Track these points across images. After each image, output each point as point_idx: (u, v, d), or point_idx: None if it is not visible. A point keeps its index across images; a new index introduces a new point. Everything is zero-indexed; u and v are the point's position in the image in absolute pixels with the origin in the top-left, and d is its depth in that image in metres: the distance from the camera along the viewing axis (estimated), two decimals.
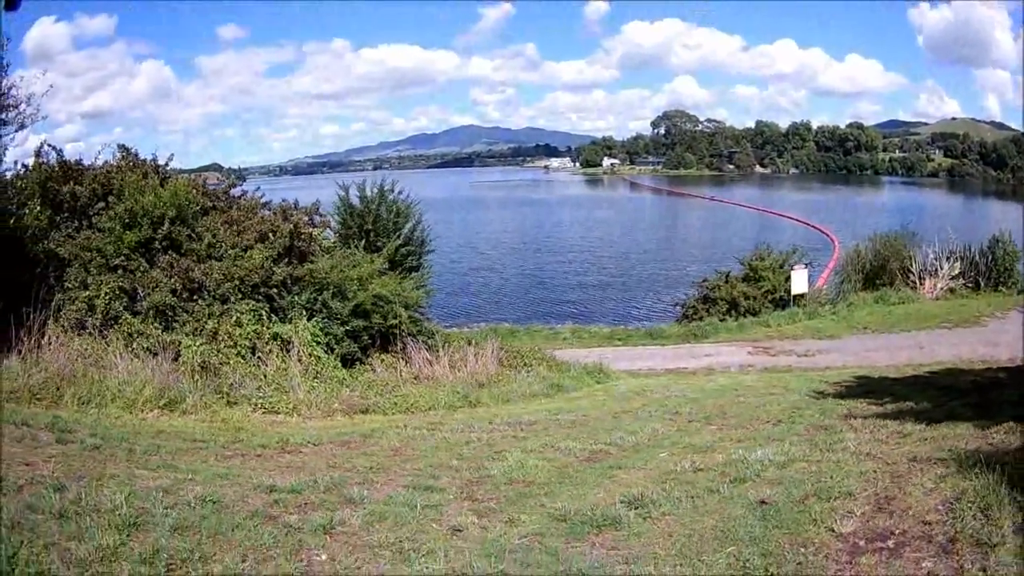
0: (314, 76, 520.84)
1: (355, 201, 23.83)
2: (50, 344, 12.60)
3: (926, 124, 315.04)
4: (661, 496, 6.59)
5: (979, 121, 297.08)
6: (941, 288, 35.41)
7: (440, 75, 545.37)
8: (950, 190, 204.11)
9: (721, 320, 31.46)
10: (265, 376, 14.29)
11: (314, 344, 16.02)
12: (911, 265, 36.02)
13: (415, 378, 17.17)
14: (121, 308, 14.53)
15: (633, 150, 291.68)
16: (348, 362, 17.09)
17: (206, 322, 14.98)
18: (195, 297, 15.42)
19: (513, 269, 65.29)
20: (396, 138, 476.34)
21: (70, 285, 14.63)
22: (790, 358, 24.25)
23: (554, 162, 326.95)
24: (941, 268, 35.77)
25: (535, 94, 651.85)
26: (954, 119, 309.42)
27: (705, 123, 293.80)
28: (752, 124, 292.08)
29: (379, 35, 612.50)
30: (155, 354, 13.42)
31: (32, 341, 12.48)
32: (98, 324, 14.08)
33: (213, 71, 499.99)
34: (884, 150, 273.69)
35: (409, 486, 7.09)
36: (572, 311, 42.30)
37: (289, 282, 16.82)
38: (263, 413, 12.54)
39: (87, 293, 14.43)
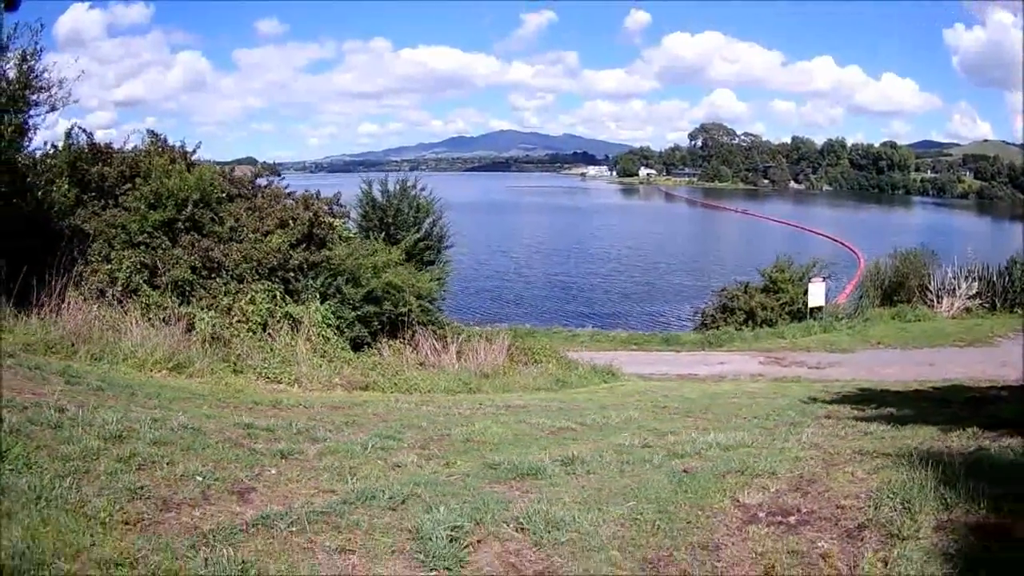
0: (353, 74, 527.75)
1: (377, 195, 24.49)
2: (69, 308, 13.33)
3: (958, 145, 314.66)
4: (594, 459, 7.17)
5: (1009, 144, 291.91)
6: (958, 307, 35.19)
7: (479, 79, 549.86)
8: (979, 212, 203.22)
9: (737, 330, 31.85)
10: (272, 350, 15.04)
11: (324, 325, 16.83)
12: (929, 283, 36.09)
13: (420, 364, 17.87)
14: (141, 281, 15.36)
15: (670, 161, 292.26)
16: (357, 345, 17.92)
17: (222, 298, 15.85)
18: (213, 275, 16.34)
19: (540, 273, 66.09)
20: (434, 140, 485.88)
21: (93, 258, 15.42)
22: (801, 369, 24.52)
23: (591, 170, 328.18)
24: (959, 287, 35.54)
25: (574, 101, 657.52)
26: (985, 141, 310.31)
27: (742, 137, 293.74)
28: (788, 139, 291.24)
29: (420, 36, 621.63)
30: (168, 324, 14.16)
31: (52, 304, 13.25)
32: (118, 294, 14.82)
33: (251, 65, 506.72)
34: (916, 170, 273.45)
35: (372, 435, 7.88)
36: (594, 317, 42.50)
37: (305, 266, 17.75)
38: (266, 382, 13.28)
39: (110, 266, 15.27)
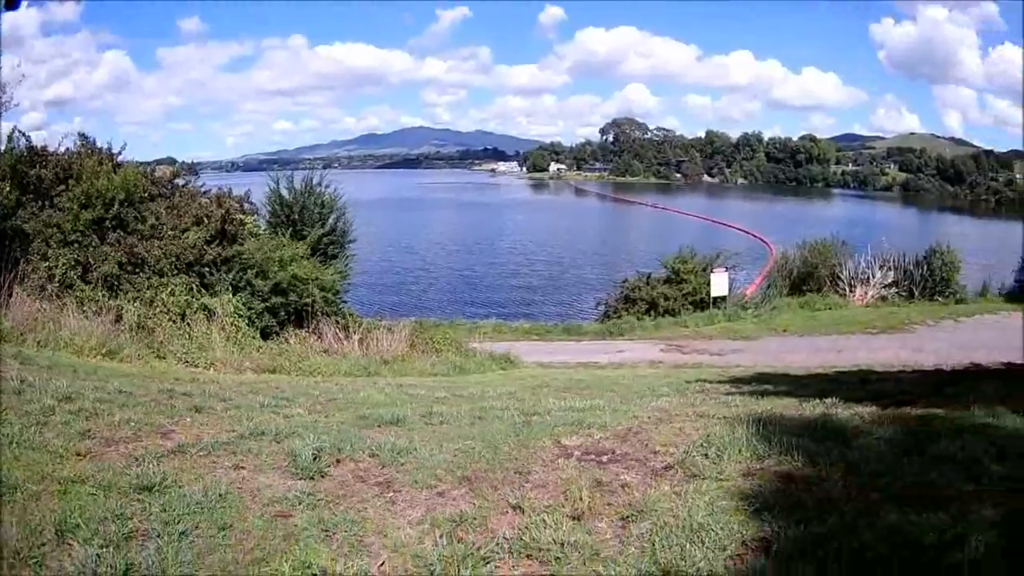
0: (270, 72, 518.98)
1: (285, 193, 25.52)
2: (16, 302, 14.68)
3: (883, 138, 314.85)
4: (451, 415, 8.43)
5: (939, 137, 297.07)
6: (872, 296, 36.93)
7: (393, 75, 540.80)
8: (904, 204, 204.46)
9: (639, 319, 32.66)
10: (191, 338, 16.38)
11: (236, 316, 18.06)
12: (840, 272, 37.45)
13: (324, 351, 18.83)
14: (75, 277, 16.73)
15: (580, 156, 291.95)
16: (266, 334, 19.12)
17: (145, 291, 17.13)
18: (137, 270, 17.52)
19: (446, 269, 67.36)
20: (346, 137, 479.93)
21: (32, 257, 16.54)
22: (702, 356, 25.24)
23: (501, 166, 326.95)
24: (873, 276, 37.04)
25: (486, 97, 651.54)
26: (912, 134, 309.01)
27: (654, 131, 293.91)
28: (702, 134, 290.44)
29: (337, 33, 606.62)
30: (100, 315, 15.53)
31: (2, 298, 14.59)
32: (56, 290, 16.10)
33: (173, 63, 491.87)
34: (837, 163, 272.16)
35: (271, 398, 9.45)
36: (498, 310, 43.70)
37: (219, 261, 18.94)
38: (185, 365, 14.74)
39: (47, 264, 16.50)
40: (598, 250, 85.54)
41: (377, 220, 67.69)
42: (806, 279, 39.12)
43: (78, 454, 5.77)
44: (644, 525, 4.67)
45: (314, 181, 26.36)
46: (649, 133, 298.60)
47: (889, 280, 37.86)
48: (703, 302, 35.09)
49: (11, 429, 6.07)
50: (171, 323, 16.98)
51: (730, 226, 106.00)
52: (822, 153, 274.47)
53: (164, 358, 15.02)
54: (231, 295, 18.72)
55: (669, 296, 34.86)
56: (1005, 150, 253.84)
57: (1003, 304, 37.67)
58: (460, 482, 5.59)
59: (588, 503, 5.00)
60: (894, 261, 39.04)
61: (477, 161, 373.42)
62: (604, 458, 6.17)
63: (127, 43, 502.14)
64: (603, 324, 33.59)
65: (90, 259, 17.25)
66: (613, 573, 4.04)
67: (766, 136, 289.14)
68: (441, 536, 4.52)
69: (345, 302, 24.64)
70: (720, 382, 14.03)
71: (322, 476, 5.68)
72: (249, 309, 18.88)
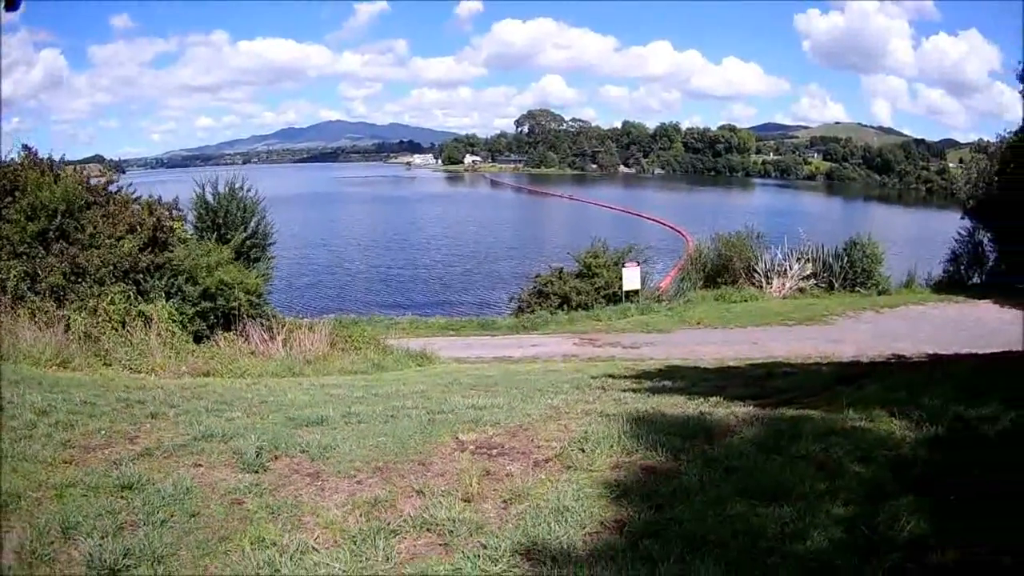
0: (193, 68, 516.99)
1: (210, 198, 25.98)
2: None
3: (806, 128, 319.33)
4: (368, 414, 9.45)
5: (865, 126, 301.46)
6: (790, 288, 36.86)
7: (312, 69, 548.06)
8: (828, 193, 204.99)
9: (552, 314, 32.61)
10: (132, 344, 17.00)
11: (170, 322, 18.58)
12: (756, 265, 37.51)
13: (251, 353, 19.21)
14: (25, 288, 17.29)
15: (496, 148, 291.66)
16: (198, 338, 19.62)
17: (89, 300, 17.59)
18: (79, 280, 17.99)
19: (362, 265, 67.60)
20: (265, 132, 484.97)
21: None
22: (615, 349, 25.13)
23: (416, 158, 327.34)
24: (791, 268, 37.14)
25: (402, 90, 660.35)
26: (837, 123, 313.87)
27: (570, 122, 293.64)
28: (619, 124, 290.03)
29: (257, 28, 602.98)
30: (51, 326, 16.16)
31: None
32: (9, 301, 16.78)
33: (103, 61, 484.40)
34: (758, 152, 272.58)
35: (212, 403, 10.47)
36: (414, 306, 43.94)
37: (152, 268, 19.34)
38: (130, 372, 15.36)
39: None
40: (513, 244, 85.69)
41: (294, 217, 67.81)
42: (721, 272, 39.36)
43: (65, 462, 6.74)
44: (521, 507, 5.74)
45: (236, 184, 26.84)
46: (565, 124, 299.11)
47: (807, 272, 38.01)
48: (616, 296, 35.20)
49: (4, 444, 6.97)
50: (113, 331, 17.60)
51: (647, 217, 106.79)
52: (742, 143, 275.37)
53: (110, 365, 15.73)
54: (164, 301, 19.30)
55: (582, 290, 34.90)
56: (938, 139, 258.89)
57: (929, 295, 37.69)
58: (374, 472, 6.75)
59: (477, 489, 6.13)
60: (812, 253, 39.22)
61: (393, 154, 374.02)
62: (494, 451, 7.29)
63: (62, 42, 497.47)
64: (517, 319, 33.99)
65: (38, 270, 17.86)
66: (492, 543, 5.02)
67: (684, 126, 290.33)
68: (360, 515, 5.68)
69: (269, 303, 25.23)
70: (625, 377, 14.84)
71: (264, 470, 6.84)
72: (181, 314, 19.44)
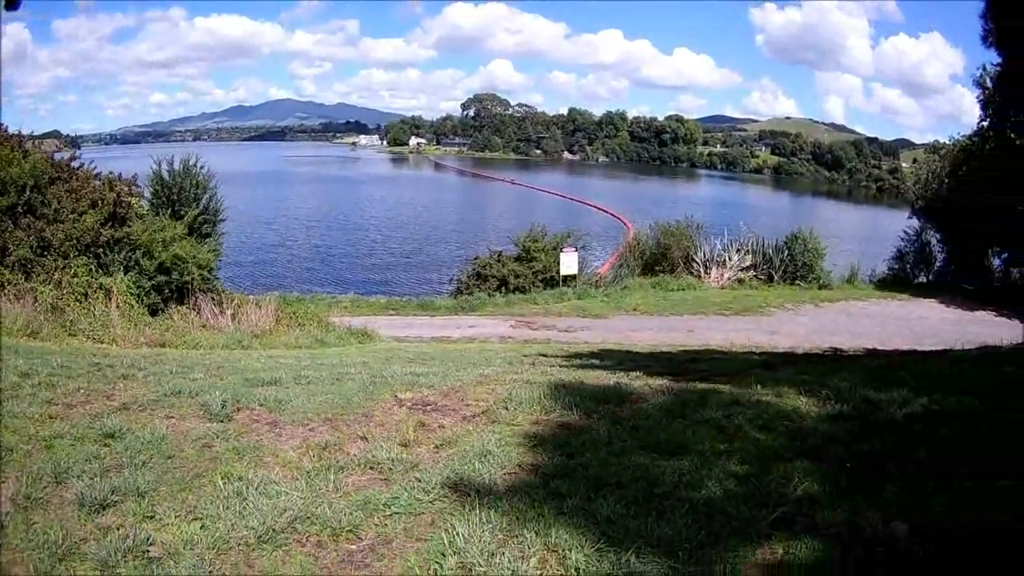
0: (150, 43, 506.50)
1: (165, 175, 26.32)
2: None
3: (755, 121, 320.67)
4: (316, 377, 10.17)
5: (817, 122, 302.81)
6: (728, 278, 37.44)
7: (265, 47, 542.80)
8: (775, 187, 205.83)
9: (490, 296, 33.30)
10: (95, 316, 17.67)
11: (128, 295, 19.21)
12: (695, 254, 38.06)
13: (203, 326, 19.94)
14: None
15: (441, 131, 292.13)
16: (154, 311, 20.26)
17: (54, 274, 18.24)
18: (45, 254, 18.58)
19: (306, 245, 67.79)
20: (216, 109, 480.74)
21: None
22: (550, 332, 25.94)
23: (362, 139, 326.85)
24: (730, 259, 37.77)
25: (351, 70, 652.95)
26: (788, 118, 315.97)
27: (516, 107, 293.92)
28: (565, 111, 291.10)
29: (214, 4, 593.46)
30: (20, 298, 16.81)
31: None
32: None
33: (66, 35, 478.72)
34: (705, 144, 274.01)
35: (175, 367, 11.12)
36: (356, 284, 44.49)
37: (112, 242, 19.89)
38: (93, 342, 15.94)
39: None
40: (455, 226, 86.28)
41: (240, 196, 67.16)
42: (660, 260, 39.91)
43: (50, 417, 7.27)
44: (451, 451, 6.54)
45: (190, 162, 27.26)
46: (511, 109, 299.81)
47: (747, 264, 38.85)
48: (553, 280, 36.00)
49: None
50: (77, 303, 18.26)
51: (589, 205, 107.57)
52: (689, 134, 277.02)
53: (75, 336, 16.32)
54: (123, 275, 19.93)
55: (520, 274, 35.79)
56: (892, 139, 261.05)
57: (872, 291, 38.79)
58: (324, 422, 7.51)
59: (413, 436, 6.95)
60: (753, 245, 40.09)
61: (339, 134, 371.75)
62: (428, 408, 8.05)
63: (27, 16, 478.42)
64: (456, 300, 34.39)
65: (8, 244, 18.38)
66: (425, 478, 5.82)
67: (631, 115, 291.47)
68: (313, 455, 6.45)
69: (218, 279, 25.70)
70: (556, 356, 15.33)
71: (229, 420, 7.56)
72: (138, 288, 20.06)
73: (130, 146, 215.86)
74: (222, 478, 5.83)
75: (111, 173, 22.75)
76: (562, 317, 29.47)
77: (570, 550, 4.56)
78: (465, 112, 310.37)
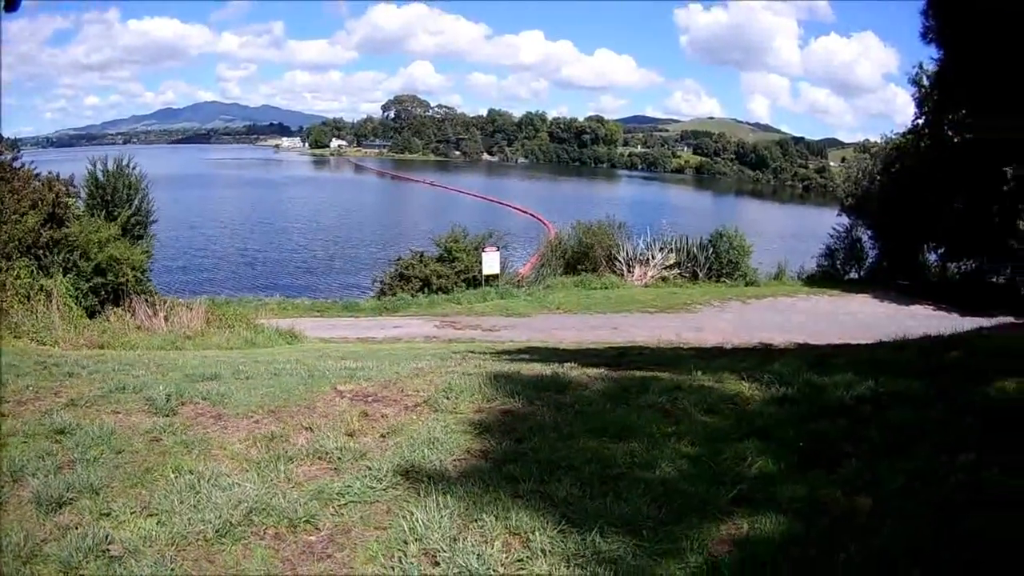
0: (86, 46, 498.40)
1: (100, 175, 26.37)
2: None
3: (677, 122, 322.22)
4: (254, 372, 10.22)
5: (741, 122, 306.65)
6: (652, 276, 37.51)
7: (193, 49, 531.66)
8: (697, 186, 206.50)
9: (413, 296, 33.22)
10: (37, 318, 17.58)
11: (68, 296, 19.08)
12: (618, 253, 38.05)
13: (138, 328, 19.92)
14: None
15: (361, 132, 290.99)
16: (91, 314, 20.17)
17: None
18: None
19: (231, 248, 67.56)
20: (145, 112, 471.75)
21: None
22: (475, 332, 25.94)
23: (285, 141, 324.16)
24: (653, 257, 37.86)
25: (275, 72, 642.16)
26: (711, 118, 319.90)
27: (435, 109, 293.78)
28: (485, 112, 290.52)
29: (148, 7, 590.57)
30: None
31: None
32: None
33: (10, 37, 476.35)
34: (625, 144, 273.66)
35: (117, 365, 11.10)
36: (281, 287, 44.09)
37: (51, 243, 19.70)
38: (37, 343, 16.03)
39: None
40: (375, 229, 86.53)
41: (167, 199, 66.93)
42: (582, 259, 39.85)
43: (2, 415, 7.31)
44: (397, 439, 6.60)
45: (123, 162, 27.36)
46: (431, 110, 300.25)
47: (671, 262, 39.01)
48: (476, 280, 36.04)
49: None
50: (20, 305, 18.11)
51: (509, 205, 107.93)
52: (610, 134, 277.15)
53: (20, 338, 16.32)
54: (63, 276, 19.82)
55: (442, 274, 35.74)
56: (820, 138, 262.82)
57: (801, 287, 39.31)
58: (268, 414, 7.53)
59: (358, 426, 7.01)
60: (676, 243, 40.40)
61: (263, 136, 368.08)
62: (369, 399, 8.10)
63: None
64: (380, 301, 34.35)
65: None
66: (375, 466, 5.87)
67: (551, 116, 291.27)
68: (261, 447, 6.48)
69: (151, 280, 25.69)
70: (484, 353, 15.31)
71: (174, 414, 7.56)
72: (76, 289, 20.00)
73: (65, 149, 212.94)
74: (173, 472, 5.87)
75: (50, 173, 22.67)
76: (486, 316, 29.57)
77: (532, 532, 4.67)
78: (386, 114, 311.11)
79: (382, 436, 6.79)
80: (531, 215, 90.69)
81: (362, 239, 75.83)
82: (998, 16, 23.62)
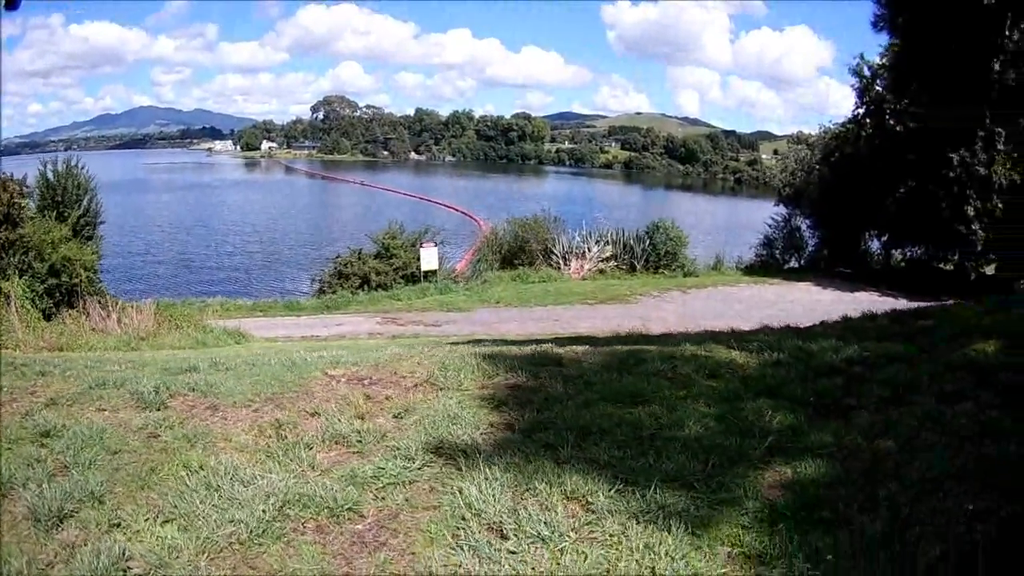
0: (31, 52, 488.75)
1: (50, 176, 26.29)
2: None
3: (605, 117, 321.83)
4: (231, 363, 9.75)
5: (670, 117, 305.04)
6: (588, 269, 37.31)
7: (130, 54, 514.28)
8: (626, 181, 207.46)
9: (353, 294, 33.16)
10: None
11: (25, 299, 18.94)
12: (554, 247, 37.96)
13: (93, 330, 19.68)
14: None
15: (291, 134, 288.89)
16: (47, 317, 19.95)
17: None
18: None
19: (169, 251, 67.41)
20: (84, 118, 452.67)
21: None
22: (418, 327, 25.72)
23: (217, 145, 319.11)
24: (589, 250, 37.66)
25: (208, 75, 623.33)
26: (639, 113, 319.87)
27: (364, 109, 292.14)
28: (412, 111, 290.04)
29: (92, 11, 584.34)
30: None
31: None
32: None
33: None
34: (552, 141, 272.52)
35: (86, 362, 10.47)
36: (221, 289, 43.77)
37: (7, 245, 19.49)
38: None
39: None
40: (309, 229, 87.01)
41: (106, 205, 66.47)
42: (518, 253, 39.96)
43: None
44: (413, 418, 6.45)
45: (72, 163, 27.37)
46: (359, 111, 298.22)
47: (607, 254, 38.78)
48: (414, 276, 35.89)
49: None
50: None
51: (438, 203, 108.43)
52: (537, 131, 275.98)
53: None
54: (19, 278, 19.68)
55: (381, 271, 35.65)
56: (751, 131, 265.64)
57: (741, 277, 38.85)
58: (266, 401, 7.18)
59: (365, 408, 6.81)
60: (612, 235, 40.14)
61: (196, 140, 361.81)
62: (365, 381, 7.85)
63: None
64: (320, 299, 34.04)
65: None
66: (402, 446, 5.69)
67: (478, 114, 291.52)
68: (270, 435, 6.18)
69: (102, 281, 25.71)
70: (442, 344, 14.53)
71: (165, 407, 7.11)
72: (32, 292, 19.86)
73: (12, 157, 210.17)
74: (183, 469, 5.50)
75: (3, 174, 22.47)
76: (427, 312, 29.46)
77: (590, 495, 4.77)
78: (315, 115, 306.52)
79: (395, 416, 6.62)
80: (462, 212, 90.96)
81: (297, 240, 75.91)
82: (950, 3, 23.90)
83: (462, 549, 4.25)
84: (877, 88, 37.76)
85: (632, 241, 39.47)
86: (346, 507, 4.81)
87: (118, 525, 4.67)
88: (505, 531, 4.37)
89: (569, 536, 4.33)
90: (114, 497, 5.06)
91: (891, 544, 4.14)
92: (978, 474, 4.84)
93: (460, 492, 4.82)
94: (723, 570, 4.11)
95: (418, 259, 35.44)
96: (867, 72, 38.28)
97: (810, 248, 43.11)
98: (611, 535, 4.36)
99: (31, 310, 19.40)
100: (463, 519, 4.52)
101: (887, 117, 36.37)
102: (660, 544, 4.24)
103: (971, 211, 31.95)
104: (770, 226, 43.42)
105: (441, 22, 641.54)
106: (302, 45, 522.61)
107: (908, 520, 4.35)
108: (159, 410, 7.03)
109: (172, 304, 29.51)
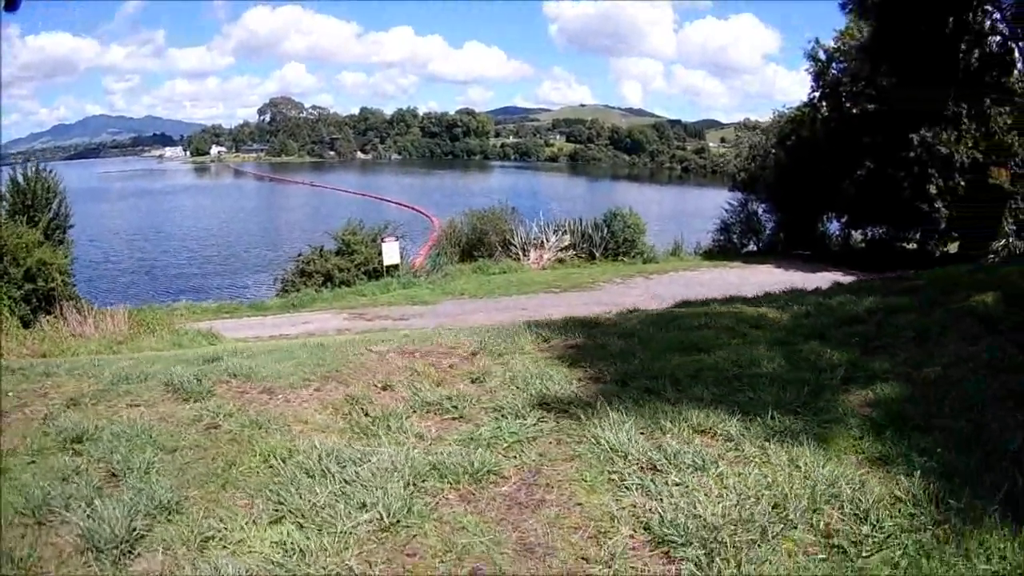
0: None
1: (21, 180, 26.22)
2: None
3: (548, 111, 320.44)
4: (251, 353, 9.10)
5: (613, 108, 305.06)
6: (548, 259, 36.85)
7: (83, 63, 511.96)
8: (572, 173, 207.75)
9: (317, 291, 32.47)
10: None
11: (2, 306, 18.91)
12: (512, 238, 37.66)
13: (72, 335, 19.34)
14: None
15: (239, 138, 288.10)
16: (26, 324, 19.70)
17: None
18: None
19: (127, 258, 67.22)
20: (40, 129, 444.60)
21: None
22: (386, 322, 24.72)
23: (167, 151, 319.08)
24: (548, 240, 37.39)
25: (157, 82, 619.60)
26: (583, 106, 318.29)
27: (309, 110, 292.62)
28: (357, 111, 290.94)
29: (49, 21, 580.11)
30: None
31: None
32: None
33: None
34: (497, 135, 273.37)
35: (92, 362, 9.99)
36: (184, 293, 42.48)
37: None
38: None
39: None
40: (262, 230, 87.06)
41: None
42: (477, 246, 39.13)
43: None
44: (495, 381, 6.42)
45: (41, 166, 27.48)
46: (305, 112, 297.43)
47: (566, 243, 38.13)
48: (376, 271, 34.75)
49: None
50: None
51: (388, 200, 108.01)
52: (481, 126, 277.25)
53: None
54: None
55: (343, 267, 34.34)
56: (696, 120, 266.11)
57: (701, 262, 38.68)
58: (325, 379, 6.80)
59: (437, 376, 6.69)
60: (570, 225, 39.36)
61: (147, 148, 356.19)
62: (416, 354, 7.67)
63: None
64: (285, 299, 32.72)
65: None
66: (506, 404, 5.62)
67: (421, 111, 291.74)
68: (348, 411, 5.88)
69: (75, 285, 25.53)
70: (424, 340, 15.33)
71: (211, 395, 6.49)
72: (10, 298, 19.67)
73: None
74: (270, 459, 4.97)
75: None
76: (393, 307, 28.46)
77: (717, 426, 5.13)
78: (262, 117, 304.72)
79: (473, 381, 6.53)
80: (413, 209, 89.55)
81: (251, 242, 74.95)
82: None
83: (629, 490, 4.27)
84: (833, 71, 38.23)
85: (590, 230, 39.27)
86: (484, 471, 4.61)
87: (212, 538, 4.04)
88: (659, 467, 4.52)
89: (721, 462, 4.57)
90: (192, 504, 4.42)
91: (979, 439, 4.85)
92: (1013, 398, 5.53)
93: (597, 440, 4.82)
94: (860, 471, 4.57)
95: (380, 254, 34.94)
96: (822, 56, 38.63)
97: (768, 232, 43.27)
98: (755, 457, 4.68)
99: (10, 318, 19.29)
100: (610, 461, 4.56)
101: (843, 100, 36.89)
102: (801, 458, 4.62)
103: (933, 189, 32.18)
104: (727, 211, 43.59)
105: (383, 21, 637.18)
106: (247, 47, 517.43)
107: (981, 424, 5.10)
108: (204, 400, 6.40)
109: (140, 310, 28.54)
